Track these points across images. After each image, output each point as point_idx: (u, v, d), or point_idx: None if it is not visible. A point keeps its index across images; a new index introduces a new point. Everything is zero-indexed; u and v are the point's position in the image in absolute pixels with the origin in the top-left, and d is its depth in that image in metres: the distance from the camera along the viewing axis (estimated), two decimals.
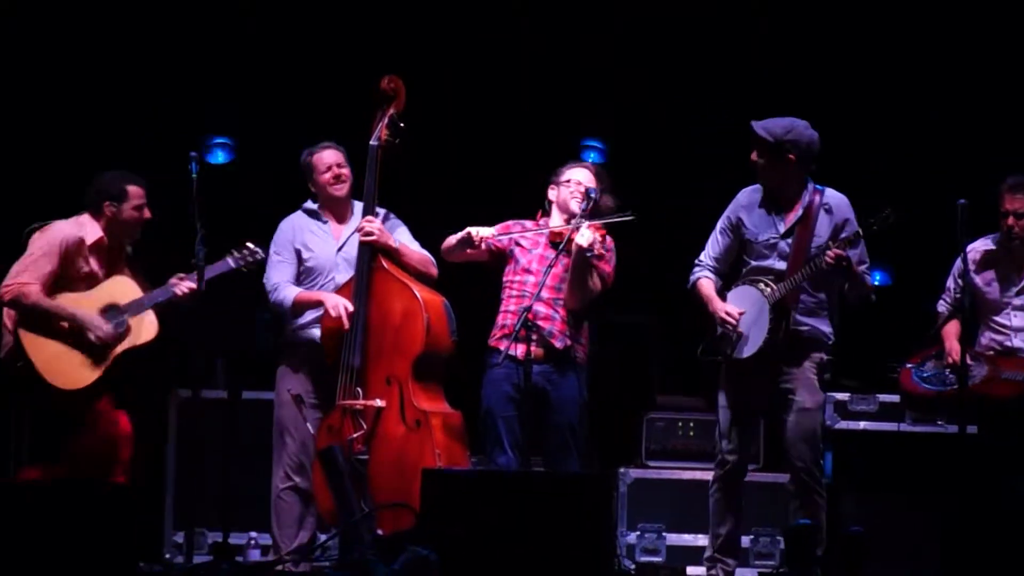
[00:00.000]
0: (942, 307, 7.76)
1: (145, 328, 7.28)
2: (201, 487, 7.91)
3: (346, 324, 7.31)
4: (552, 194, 7.48)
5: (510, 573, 6.42)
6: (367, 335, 7.31)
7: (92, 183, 7.30)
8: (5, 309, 7.21)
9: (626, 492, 8.47)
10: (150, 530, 8.26)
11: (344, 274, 7.48)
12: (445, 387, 7.45)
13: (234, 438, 7.78)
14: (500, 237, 7.46)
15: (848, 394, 8.50)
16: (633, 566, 8.17)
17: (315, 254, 7.56)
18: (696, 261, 7.27)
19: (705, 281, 7.21)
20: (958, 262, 7.53)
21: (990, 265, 7.60)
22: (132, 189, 7.30)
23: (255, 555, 8.04)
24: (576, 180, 7.43)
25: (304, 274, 7.57)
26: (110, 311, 7.22)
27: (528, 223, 7.50)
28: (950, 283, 7.73)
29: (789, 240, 7.12)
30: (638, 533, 8.42)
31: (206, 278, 7.15)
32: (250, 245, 7.44)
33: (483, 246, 7.33)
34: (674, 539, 8.35)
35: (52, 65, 9.16)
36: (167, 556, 8.29)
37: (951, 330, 7.66)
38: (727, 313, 7.06)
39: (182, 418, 8.44)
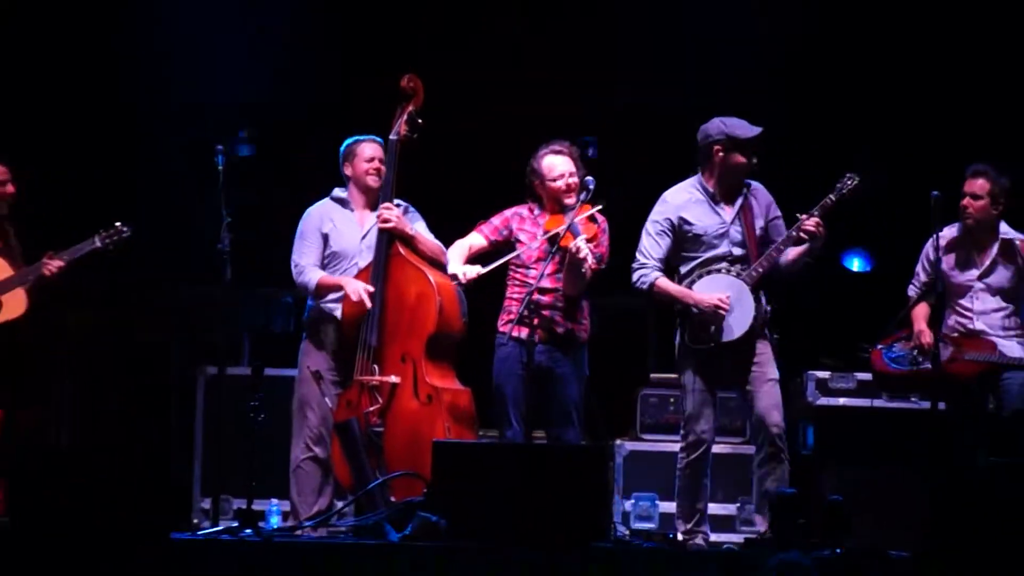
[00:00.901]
0: (912, 291, 7.90)
1: (15, 304, 7.50)
2: (226, 457, 7.87)
3: (367, 303, 7.40)
4: (541, 191, 7.54)
5: (513, 539, 6.56)
6: (384, 316, 7.48)
7: None
8: None
9: (622, 463, 8.69)
10: (180, 497, 8.34)
11: (366, 260, 7.61)
12: (457, 366, 7.59)
13: (257, 412, 7.62)
14: (501, 230, 7.58)
15: (829, 372, 8.66)
16: (628, 532, 8.20)
17: (341, 240, 7.69)
18: (638, 264, 7.30)
19: (664, 279, 7.29)
20: (925, 248, 7.77)
21: (955, 250, 7.78)
22: None
23: (276, 521, 7.99)
24: (559, 173, 7.49)
25: (329, 258, 7.69)
26: None
27: (524, 211, 7.60)
28: (918, 269, 7.89)
29: (737, 226, 7.33)
30: (633, 501, 8.64)
31: (73, 258, 7.46)
32: (117, 224, 7.59)
33: (474, 278, 7.43)
34: (666, 507, 8.36)
35: (77, 64, 9.27)
36: (195, 521, 8.44)
37: (920, 313, 7.81)
38: (720, 300, 7.18)
39: (209, 393, 8.64)
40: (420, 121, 7.59)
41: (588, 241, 7.35)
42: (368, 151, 7.70)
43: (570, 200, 7.52)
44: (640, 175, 8.73)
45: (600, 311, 7.90)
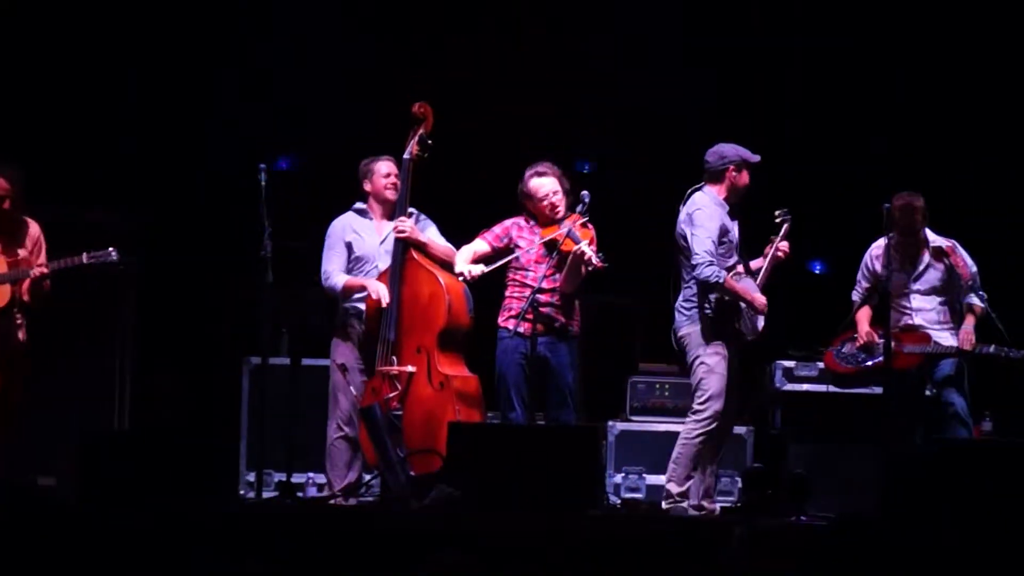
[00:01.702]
0: (855, 295, 8.40)
1: None
2: (268, 436, 8.17)
3: (384, 302, 7.81)
4: (532, 209, 7.91)
5: (518, 506, 6.93)
6: (400, 313, 7.89)
7: None
8: None
9: (613, 441, 9.10)
10: (227, 471, 8.32)
11: (385, 263, 8.01)
12: (466, 355, 7.98)
13: (295, 397, 8.23)
14: (502, 237, 7.96)
15: (794, 362, 9.11)
16: (619, 501, 8.78)
17: (363, 246, 8.08)
18: (707, 262, 7.56)
19: (729, 277, 7.62)
20: (865, 258, 8.34)
21: (893, 256, 8.12)
22: None
23: (312, 492, 8.44)
24: (544, 193, 7.89)
25: (353, 262, 8.09)
26: None
27: (522, 221, 7.99)
28: (859, 276, 8.39)
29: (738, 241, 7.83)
30: (623, 475, 9.07)
31: (58, 268, 7.72)
32: (109, 249, 7.84)
33: (478, 275, 7.82)
34: (652, 480, 8.90)
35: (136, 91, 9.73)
36: (241, 492, 8.69)
37: (863, 316, 8.34)
38: (765, 301, 7.66)
39: (253, 381, 9.00)
40: (430, 142, 8.01)
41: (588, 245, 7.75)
42: (384, 168, 8.12)
43: (558, 215, 7.95)
44: (638, 175, 9.27)
45: (597, 308, 8.38)
